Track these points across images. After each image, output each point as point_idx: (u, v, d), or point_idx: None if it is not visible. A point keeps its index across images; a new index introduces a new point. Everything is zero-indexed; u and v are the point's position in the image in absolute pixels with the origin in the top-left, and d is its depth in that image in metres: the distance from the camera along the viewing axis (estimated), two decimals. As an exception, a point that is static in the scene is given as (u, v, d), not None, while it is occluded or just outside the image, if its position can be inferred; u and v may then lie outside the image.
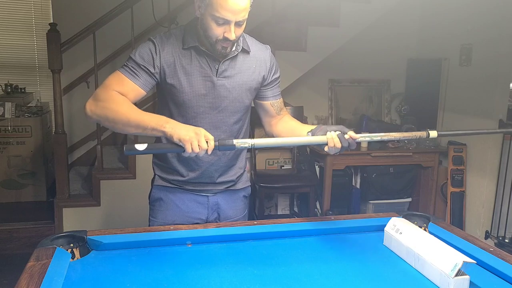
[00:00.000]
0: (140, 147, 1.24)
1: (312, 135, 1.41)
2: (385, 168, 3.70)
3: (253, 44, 1.58)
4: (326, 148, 1.36)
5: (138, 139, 3.11)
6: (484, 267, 1.29)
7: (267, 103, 1.65)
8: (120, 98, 1.39)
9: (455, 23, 3.58)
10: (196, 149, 1.24)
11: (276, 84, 1.65)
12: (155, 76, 1.48)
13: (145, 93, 1.48)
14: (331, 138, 1.34)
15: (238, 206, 1.73)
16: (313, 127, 1.46)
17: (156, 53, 1.47)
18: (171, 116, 1.54)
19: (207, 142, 1.26)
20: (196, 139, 1.25)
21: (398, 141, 3.71)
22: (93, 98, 1.40)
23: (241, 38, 1.53)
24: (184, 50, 1.48)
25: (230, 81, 1.52)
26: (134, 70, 1.45)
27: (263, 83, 1.61)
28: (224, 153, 1.58)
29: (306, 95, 3.93)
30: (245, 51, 1.54)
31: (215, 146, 1.28)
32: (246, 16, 1.39)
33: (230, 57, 1.50)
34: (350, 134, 1.35)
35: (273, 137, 1.64)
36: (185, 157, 1.55)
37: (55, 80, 3.06)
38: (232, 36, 1.38)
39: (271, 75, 1.61)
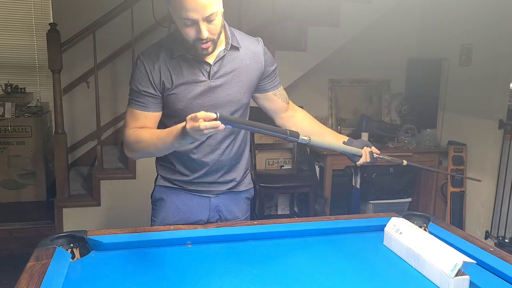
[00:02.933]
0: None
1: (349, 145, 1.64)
2: (385, 168, 3.71)
3: (243, 39, 1.55)
4: (359, 162, 1.62)
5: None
6: (484, 267, 1.29)
7: (269, 94, 1.64)
8: (140, 133, 1.45)
9: (455, 23, 3.57)
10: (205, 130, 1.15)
11: (274, 75, 1.64)
12: (158, 95, 1.48)
13: (160, 113, 1.52)
14: (366, 153, 1.61)
15: (241, 207, 1.71)
16: (343, 136, 1.68)
17: (149, 73, 1.45)
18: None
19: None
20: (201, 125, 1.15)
21: (398, 140, 3.72)
22: (124, 144, 1.51)
23: (229, 35, 1.49)
24: (174, 59, 1.46)
25: (225, 80, 1.50)
26: (139, 100, 1.47)
27: (261, 76, 1.59)
28: (224, 152, 1.57)
29: (306, 95, 3.92)
30: (235, 48, 1.51)
31: (286, 133, 1.34)
32: (215, 10, 1.33)
33: (220, 57, 1.47)
34: (373, 149, 1.64)
35: None
36: (188, 159, 1.56)
37: (55, 80, 3.06)
38: (203, 35, 1.34)
39: (268, 67, 1.59)
